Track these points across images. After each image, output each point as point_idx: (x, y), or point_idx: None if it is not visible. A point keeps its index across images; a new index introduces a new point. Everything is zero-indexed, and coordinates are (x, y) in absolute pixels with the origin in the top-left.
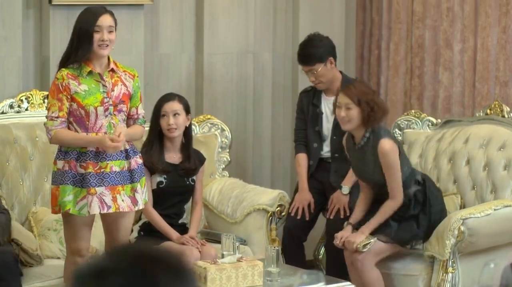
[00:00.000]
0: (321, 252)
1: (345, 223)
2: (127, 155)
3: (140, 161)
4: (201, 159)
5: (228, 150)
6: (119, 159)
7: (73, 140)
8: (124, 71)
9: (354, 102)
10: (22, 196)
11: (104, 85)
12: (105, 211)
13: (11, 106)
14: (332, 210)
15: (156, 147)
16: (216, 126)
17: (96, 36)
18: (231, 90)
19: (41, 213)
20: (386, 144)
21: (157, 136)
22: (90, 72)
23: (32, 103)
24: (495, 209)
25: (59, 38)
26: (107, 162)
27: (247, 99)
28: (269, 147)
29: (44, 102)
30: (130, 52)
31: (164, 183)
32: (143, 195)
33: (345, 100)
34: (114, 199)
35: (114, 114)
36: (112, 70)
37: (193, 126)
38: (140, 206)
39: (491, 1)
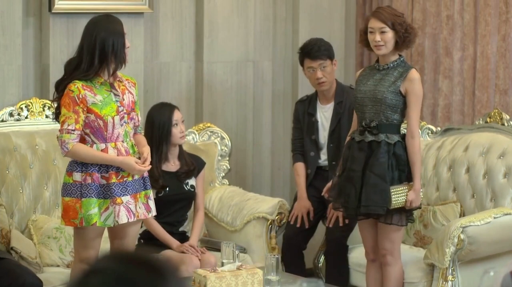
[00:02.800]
0: (321, 260)
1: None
2: None
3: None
4: (199, 162)
5: (228, 158)
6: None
7: (93, 157)
8: (126, 79)
9: (388, 26)
10: (22, 204)
11: (116, 94)
12: (132, 219)
13: (11, 114)
14: (331, 218)
15: (154, 160)
16: (216, 134)
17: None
18: (231, 98)
19: (41, 221)
20: (417, 74)
21: (159, 148)
22: (102, 83)
23: (32, 111)
24: (495, 217)
25: (59, 46)
26: (127, 173)
27: (247, 107)
28: (269, 155)
29: (43, 110)
30: (130, 60)
31: (163, 192)
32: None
33: (378, 24)
34: (136, 207)
35: (127, 122)
36: (119, 79)
37: (192, 134)
38: (154, 212)
39: (490, 9)
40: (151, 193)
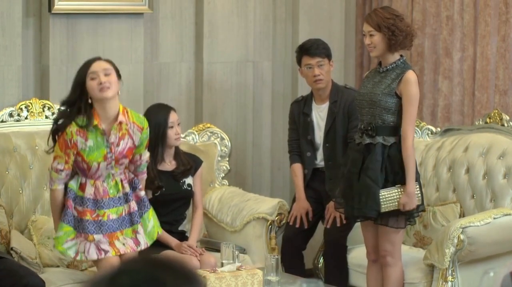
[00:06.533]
0: (320, 260)
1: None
2: (126, 199)
3: (141, 194)
4: (197, 161)
5: (227, 159)
6: (116, 207)
7: (53, 212)
8: (133, 122)
9: (375, 29)
10: (21, 204)
11: (107, 141)
12: (102, 256)
13: (10, 115)
14: (329, 219)
15: (151, 162)
16: (216, 134)
17: (93, 83)
18: (231, 98)
19: (41, 222)
20: (413, 75)
21: (155, 149)
22: (96, 126)
23: (32, 111)
24: (494, 218)
25: (59, 47)
26: (105, 210)
27: (247, 107)
28: (269, 155)
29: (43, 111)
30: (130, 61)
31: (159, 192)
32: (149, 229)
33: (367, 28)
34: (112, 244)
35: (116, 167)
36: (120, 122)
37: (192, 135)
38: (143, 246)
39: (490, 10)
40: (140, 228)
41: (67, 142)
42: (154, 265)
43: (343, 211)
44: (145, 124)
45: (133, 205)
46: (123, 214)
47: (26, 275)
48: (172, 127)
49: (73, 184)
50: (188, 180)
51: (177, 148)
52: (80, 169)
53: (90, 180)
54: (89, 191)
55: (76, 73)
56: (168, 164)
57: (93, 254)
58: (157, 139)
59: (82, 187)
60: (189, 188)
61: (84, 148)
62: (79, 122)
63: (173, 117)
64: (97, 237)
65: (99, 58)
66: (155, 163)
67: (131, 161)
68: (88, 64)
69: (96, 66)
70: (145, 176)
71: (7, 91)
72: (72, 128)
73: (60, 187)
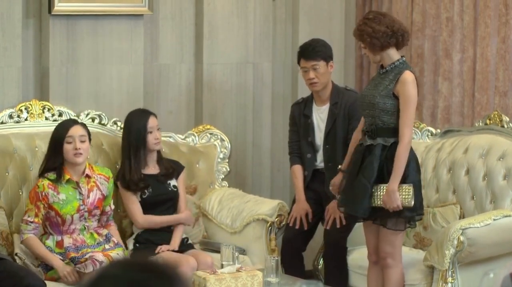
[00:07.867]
0: (320, 262)
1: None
2: (108, 240)
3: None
4: (179, 165)
5: (227, 160)
6: (98, 247)
7: (39, 256)
8: (99, 174)
9: (359, 39)
10: (21, 206)
11: (80, 193)
12: (97, 266)
13: (10, 116)
14: (329, 220)
15: (134, 165)
16: (216, 136)
17: (69, 147)
18: (231, 100)
19: None
20: (409, 75)
21: (138, 154)
22: (68, 180)
23: (32, 113)
24: (494, 219)
25: (59, 48)
26: (86, 249)
27: (247, 109)
28: (269, 157)
29: (43, 112)
30: (130, 62)
31: (147, 193)
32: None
33: (357, 41)
34: (107, 255)
35: (89, 218)
36: (87, 175)
37: (192, 136)
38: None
39: (490, 11)
40: (110, 234)
41: (38, 195)
42: (135, 268)
43: (344, 210)
44: (110, 174)
45: (115, 239)
46: (106, 248)
47: (26, 276)
48: (151, 132)
49: (50, 243)
50: (173, 182)
51: (159, 153)
52: (54, 226)
53: (66, 235)
54: (68, 242)
55: (53, 133)
56: (153, 168)
57: (89, 267)
58: (139, 144)
59: (59, 244)
60: (175, 189)
61: (57, 201)
62: (50, 177)
63: (152, 122)
64: (89, 253)
65: (76, 122)
66: (139, 167)
67: (103, 213)
68: (66, 127)
69: (74, 131)
70: (115, 226)
71: (7, 92)
72: (44, 182)
73: (31, 235)
